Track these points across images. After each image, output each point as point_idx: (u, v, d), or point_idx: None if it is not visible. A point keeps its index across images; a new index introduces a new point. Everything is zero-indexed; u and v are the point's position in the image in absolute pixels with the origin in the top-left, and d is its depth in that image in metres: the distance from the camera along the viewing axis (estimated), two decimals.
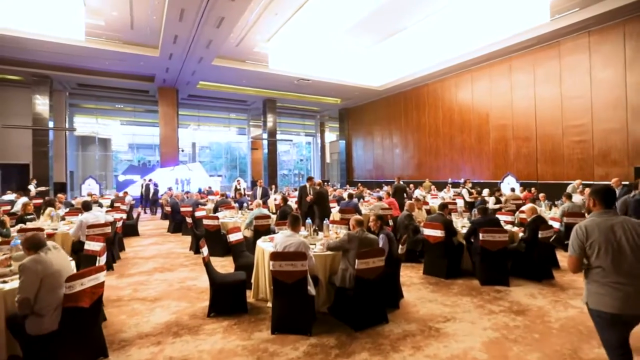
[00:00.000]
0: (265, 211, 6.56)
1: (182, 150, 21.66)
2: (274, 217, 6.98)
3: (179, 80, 16.78)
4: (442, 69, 14.88)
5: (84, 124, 21.17)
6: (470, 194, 10.41)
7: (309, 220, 4.45)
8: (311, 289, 3.30)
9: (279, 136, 24.09)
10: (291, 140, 25.22)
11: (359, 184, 17.25)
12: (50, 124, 15.28)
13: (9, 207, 8.25)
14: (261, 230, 5.95)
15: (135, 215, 9.08)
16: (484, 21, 12.17)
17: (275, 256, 3.14)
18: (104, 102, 20.12)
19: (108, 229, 5.24)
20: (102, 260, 3.16)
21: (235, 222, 6.44)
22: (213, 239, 6.16)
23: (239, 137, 26.40)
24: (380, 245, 3.79)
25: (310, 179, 8.65)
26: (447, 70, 14.92)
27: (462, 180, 14.24)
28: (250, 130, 24.35)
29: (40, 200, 9.72)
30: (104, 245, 3.48)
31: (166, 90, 17.65)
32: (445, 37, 13.48)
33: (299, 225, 3.69)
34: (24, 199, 9.47)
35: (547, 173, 11.92)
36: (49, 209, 7.01)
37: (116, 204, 9.68)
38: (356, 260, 3.24)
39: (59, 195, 9.08)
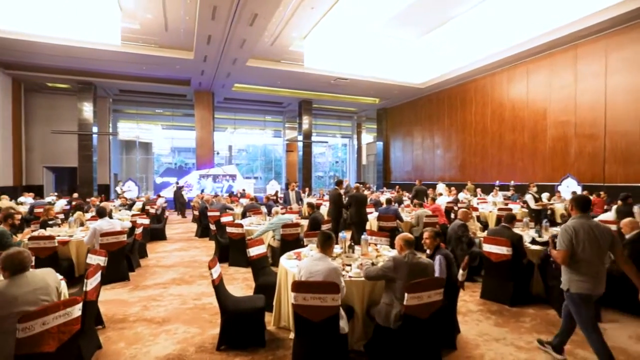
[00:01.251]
0: (287, 218, 5.89)
1: (218, 153, 21.78)
2: (305, 223, 6.34)
3: (215, 83, 16.73)
4: (493, 62, 13.51)
5: (129, 129, 21.97)
6: (537, 200, 8.60)
7: (343, 234, 3.70)
8: (344, 325, 2.55)
9: (314, 138, 23.60)
10: (327, 142, 24.59)
11: (397, 187, 16.21)
12: (94, 129, 15.78)
13: (40, 210, 8.22)
14: (289, 240, 5.29)
15: (165, 219, 8.80)
16: (543, 6, 10.80)
17: (298, 287, 2.42)
18: (144, 107, 20.68)
19: (123, 237, 4.83)
20: (90, 283, 2.62)
21: (268, 229, 5.82)
22: (237, 248, 5.61)
23: (274, 139, 26.22)
24: (437, 272, 2.97)
25: (339, 182, 7.93)
26: (498, 63, 13.52)
27: (511, 183, 12.81)
28: (285, 132, 24.02)
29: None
30: (97, 265, 2.94)
31: (202, 94, 17.71)
32: (496, 27, 12.20)
33: (330, 246, 2.90)
34: (63, 202, 9.57)
35: (617, 174, 10.27)
36: (77, 213, 6.83)
37: (138, 208, 9.48)
38: (405, 295, 2.44)
39: (92, 198, 9.01)
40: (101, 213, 4.98)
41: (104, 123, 17.68)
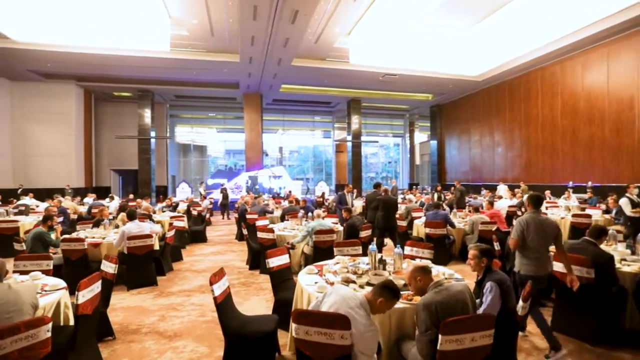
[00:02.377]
0: (327, 223, 5.40)
1: (267, 155, 22.05)
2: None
3: (262, 85, 16.87)
4: (563, 47, 11.82)
5: (186, 133, 23.17)
6: (635, 205, 6.55)
7: (373, 247, 3.13)
8: None
9: (364, 138, 22.91)
10: (377, 142, 23.76)
11: (452, 188, 14.97)
12: (152, 134, 16.74)
13: (96, 210, 8.63)
14: (322, 247, 4.82)
15: (206, 220, 8.82)
16: None
17: (298, 317, 1.92)
18: (198, 111, 21.65)
19: (150, 241, 4.72)
20: (82, 295, 2.38)
21: (296, 235, 5.42)
22: None
23: (325, 140, 25.98)
24: (485, 305, 2.30)
25: (378, 185, 7.30)
26: (570, 47, 11.80)
27: (588, 184, 11.06)
28: (334, 132, 23.62)
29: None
30: (94, 276, 2.67)
31: (251, 96, 17.97)
32: (566, 5, 10.62)
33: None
34: (117, 202, 10.09)
35: None
36: (121, 215, 7.00)
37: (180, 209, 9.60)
38: (439, 337, 1.84)
39: (138, 200, 9.34)
40: (131, 215, 4.94)
41: (161, 127, 18.74)
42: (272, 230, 5.25)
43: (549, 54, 12.36)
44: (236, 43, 12.29)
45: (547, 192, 11.56)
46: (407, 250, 3.91)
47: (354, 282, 2.78)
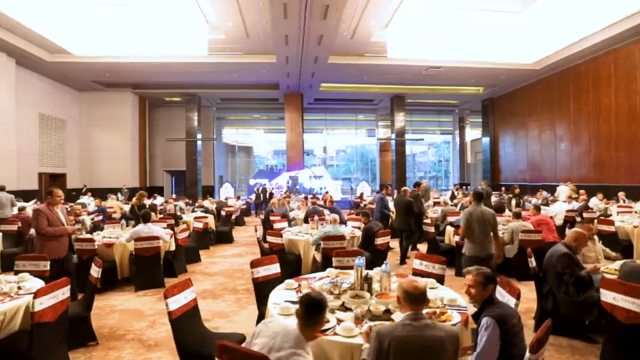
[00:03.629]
0: (341, 229, 5.01)
1: (307, 154, 22.01)
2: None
3: (302, 85, 16.81)
4: None
5: (234, 134, 24.00)
6: None
7: (359, 261, 2.67)
8: None
9: (411, 135, 21.87)
10: (422, 139, 22.56)
11: (503, 188, 13.64)
12: (198, 136, 17.50)
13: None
14: (330, 255, 4.45)
15: (231, 221, 8.86)
16: None
17: (221, 351, 1.59)
18: (243, 113, 22.27)
19: (157, 243, 4.72)
20: (40, 303, 2.29)
21: (307, 240, 5.11)
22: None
23: (371, 139, 25.34)
24: (478, 349, 1.79)
25: (417, 184, 6.70)
26: None
27: None
28: (378, 131, 22.86)
29: None
30: (57, 283, 2.59)
31: (291, 96, 18.01)
32: None
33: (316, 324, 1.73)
34: (157, 202, 10.59)
35: None
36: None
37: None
38: None
39: (169, 200, 9.70)
40: (145, 218, 4.99)
41: (208, 130, 19.56)
42: (280, 235, 4.99)
43: (623, 32, 10.59)
44: (271, 43, 12.30)
45: (621, 195, 9.93)
46: (417, 264, 3.41)
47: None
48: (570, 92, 13.50)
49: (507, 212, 7.86)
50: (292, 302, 2.38)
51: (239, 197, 12.07)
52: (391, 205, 8.04)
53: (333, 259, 3.66)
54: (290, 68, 14.40)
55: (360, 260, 2.70)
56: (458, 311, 2.23)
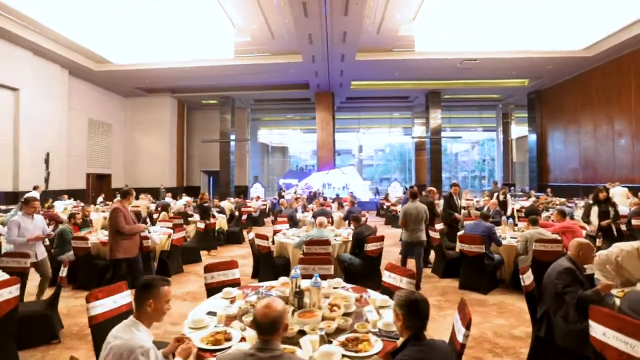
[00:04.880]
0: (326, 233, 4.73)
1: (339, 154, 21.69)
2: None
3: (332, 84, 16.59)
4: None
5: (269, 135, 24.42)
6: None
7: (295, 272, 2.37)
8: None
9: (449, 133, 20.71)
10: (460, 137, 21.28)
11: (547, 189, 12.36)
12: (232, 137, 17.98)
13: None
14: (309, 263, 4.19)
15: (241, 222, 8.90)
16: None
17: None
18: (276, 113, 22.52)
19: (147, 242, 4.78)
20: None
21: (301, 242, 4.89)
22: (265, 264, 4.88)
23: (405, 137, 24.45)
24: None
25: (455, 185, 6.24)
26: None
27: None
28: (414, 129, 21.93)
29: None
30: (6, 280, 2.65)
31: (322, 95, 17.86)
32: None
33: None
34: (181, 202, 10.97)
35: None
36: (163, 214, 7.48)
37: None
38: None
39: (188, 200, 9.93)
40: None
41: (242, 131, 20.03)
42: (267, 238, 4.82)
43: None
44: (296, 43, 12.23)
45: None
46: (386, 276, 3.06)
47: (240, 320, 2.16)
48: (630, 81, 11.87)
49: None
50: (211, 314, 2.20)
51: (258, 198, 12.14)
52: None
53: (299, 266, 3.40)
54: (317, 67, 14.26)
55: (296, 270, 2.43)
56: (388, 339, 1.89)
